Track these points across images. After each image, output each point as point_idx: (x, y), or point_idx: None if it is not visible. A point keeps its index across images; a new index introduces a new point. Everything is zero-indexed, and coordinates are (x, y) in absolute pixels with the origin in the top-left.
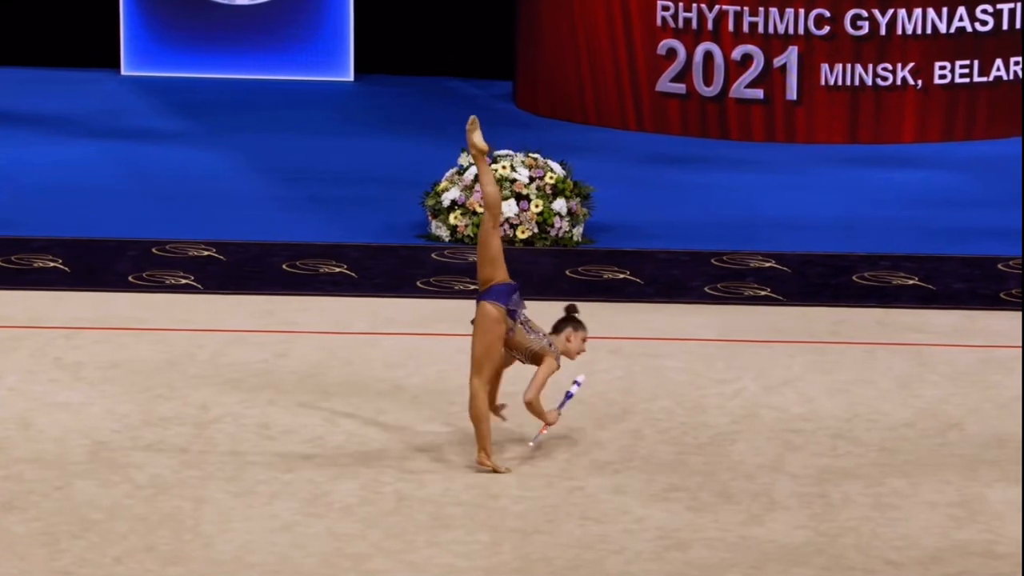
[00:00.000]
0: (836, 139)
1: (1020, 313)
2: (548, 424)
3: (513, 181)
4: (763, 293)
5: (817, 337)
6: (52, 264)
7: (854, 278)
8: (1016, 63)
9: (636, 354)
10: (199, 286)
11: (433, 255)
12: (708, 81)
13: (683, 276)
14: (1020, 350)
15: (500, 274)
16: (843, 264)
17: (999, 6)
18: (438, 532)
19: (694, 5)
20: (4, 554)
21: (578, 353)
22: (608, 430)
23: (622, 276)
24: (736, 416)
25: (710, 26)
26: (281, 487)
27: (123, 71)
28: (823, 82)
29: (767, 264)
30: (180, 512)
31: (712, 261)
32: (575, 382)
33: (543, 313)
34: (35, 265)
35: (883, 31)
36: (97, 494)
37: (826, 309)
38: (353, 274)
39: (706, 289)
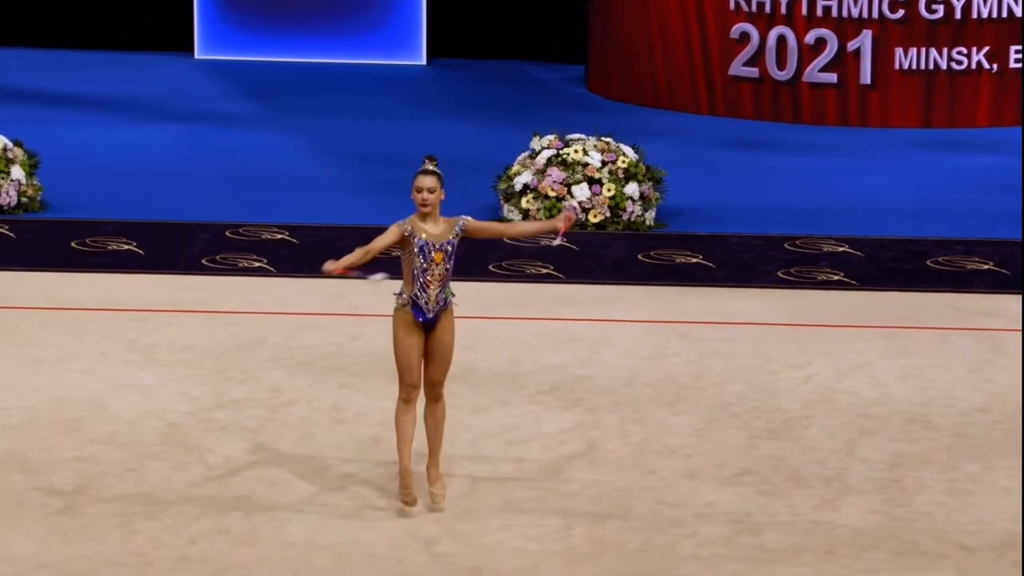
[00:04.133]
0: (910, 123)
1: None
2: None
3: (585, 165)
4: (836, 277)
5: (890, 322)
6: (126, 247)
7: (928, 263)
8: None
9: (708, 338)
10: (272, 269)
11: (505, 239)
12: (781, 65)
13: (755, 260)
14: None
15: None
16: (917, 249)
17: None
18: (509, 515)
19: None
20: (79, 536)
21: (420, 203)
22: (680, 415)
23: (694, 260)
24: (808, 401)
25: (783, 10)
26: (353, 469)
27: (196, 55)
28: (897, 66)
29: (840, 249)
30: (252, 494)
31: (785, 245)
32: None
33: (615, 298)
34: (109, 248)
35: (958, 15)
36: (170, 476)
37: (899, 294)
38: None
39: (778, 273)
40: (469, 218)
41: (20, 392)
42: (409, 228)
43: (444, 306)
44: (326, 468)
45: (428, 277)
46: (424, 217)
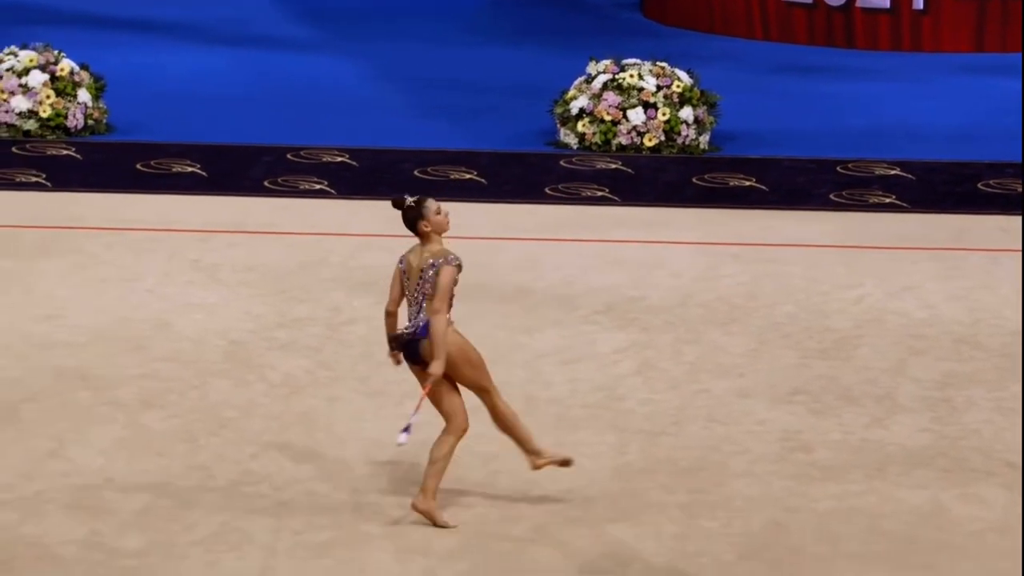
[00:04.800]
0: (962, 48)
1: None
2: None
3: (640, 90)
4: (887, 200)
5: (940, 244)
6: (189, 169)
7: (979, 186)
8: None
9: (760, 260)
10: (332, 191)
11: (561, 162)
12: None
13: (807, 183)
14: None
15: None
16: (968, 172)
17: None
18: (565, 433)
19: None
20: (145, 450)
21: (445, 221)
22: (732, 335)
23: (747, 183)
24: (859, 321)
25: None
26: (411, 387)
27: None
28: None
29: (892, 172)
30: (313, 411)
31: (837, 169)
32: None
33: (668, 220)
34: (173, 170)
35: None
36: (233, 393)
37: (950, 216)
38: (483, 180)
39: (830, 196)
40: (444, 268)
41: (87, 311)
42: (430, 261)
43: (424, 327)
44: (385, 386)
45: (415, 296)
46: (429, 245)
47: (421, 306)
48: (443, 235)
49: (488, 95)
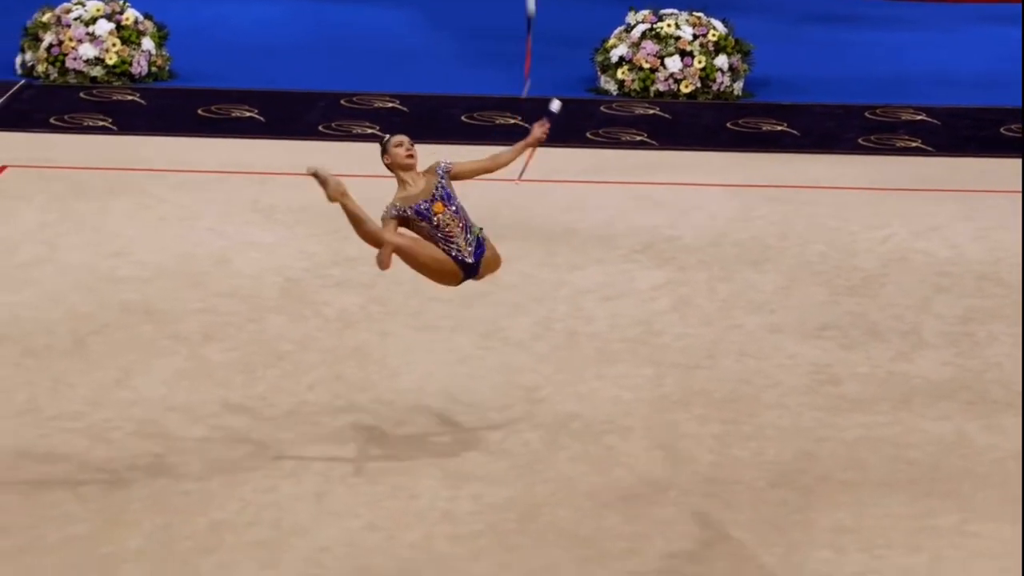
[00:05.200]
0: None
1: None
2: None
3: (677, 38)
4: (913, 144)
5: (964, 186)
6: (248, 114)
7: (1001, 130)
8: None
9: (792, 201)
10: (383, 135)
11: (602, 108)
12: None
13: (837, 128)
14: None
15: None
16: (990, 117)
17: None
18: (605, 366)
19: None
20: (205, 381)
21: (406, 158)
22: (764, 273)
23: (779, 128)
24: (886, 260)
25: None
26: (459, 322)
27: None
28: None
29: (918, 117)
30: (366, 345)
31: (865, 114)
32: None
33: (704, 164)
34: (232, 115)
35: None
36: (289, 327)
37: (973, 160)
38: (527, 125)
39: (859, 140)
40: (450, 161)
41: (150, 248)
42: (398, 206)
43: (480, 243)
44: (436, 320)
45: (446, 230)
46: (405, 184)
47: (467, 223)
48: (406, 171)
49: (533, 43)
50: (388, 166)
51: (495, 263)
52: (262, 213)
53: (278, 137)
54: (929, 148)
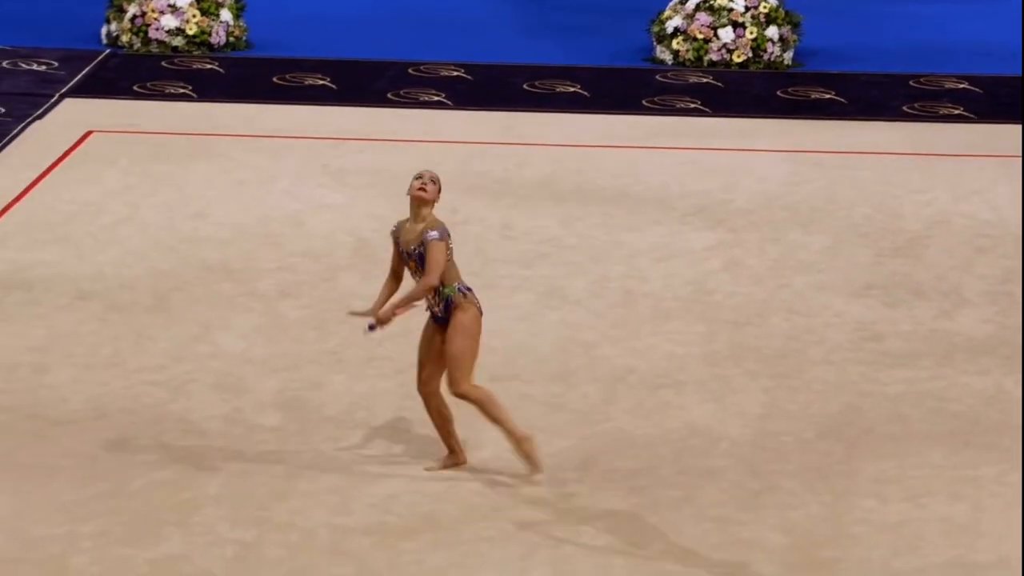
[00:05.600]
0: None
1: None
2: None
3: (730, 10)
4: (956, 112)
5: (1004, 151)
6: (320, 82)
7: None
8: None
9: (839, 166)
10: (449, 103)
11: (657, 76)
12: None
13: (882, 96)
14: None
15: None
16: None
17: None
18: (660, 323)
19: None
20: (281, 336)
21: (417, 190)
22: (812, 235)
23: (827, 96)
24: (929, 222)
25: None
26: (521, 281)
27: None
28: None
29: (960, 86)
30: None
31: (910, 83)
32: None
33: (755, 130)
34: (306, 83)
35: None
36: (360, 285)
37: (1014, 127)
38: (585, 93)
39: (903, 108)
40: (430, 240)
41: (229, 210)
42: (397, 233)
43: (449, 301)
44: (497, 280)
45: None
46: (412, 217)
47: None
48: (415, 204)
49: (591, 14)
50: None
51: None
52: (334, 176)
53: (349, 104)
54: (971, 115)
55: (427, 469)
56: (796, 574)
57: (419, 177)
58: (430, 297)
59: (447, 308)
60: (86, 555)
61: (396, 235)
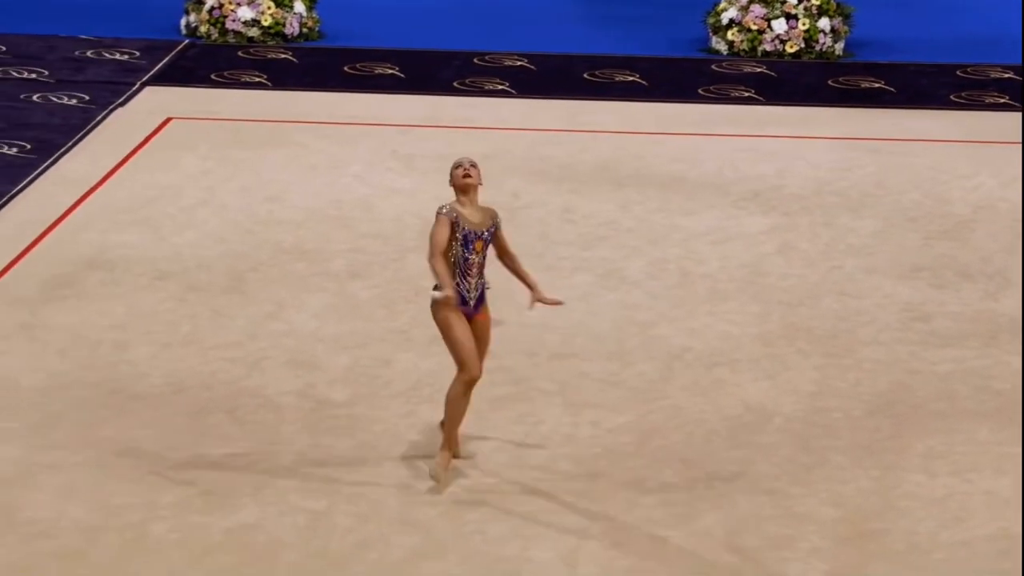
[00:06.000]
0: None
1: None
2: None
3: (783, 2)
4: (1002, 100)
5: None
6: (389, 71)
7: None
8: None
9: (889, 153)
10: (513, 91)
11: (712, 66)
12: None
13: (930, 85)
14: None
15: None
16: None
17: None
18: (715, 303)
19: None
20: (350, 315)
21: (462, 178)
22: (863, 219)
23: (877, 85)
24: (975, 207)
25: None
26: (580, 263)
27: None
28: None
29: (1006, 75)
30: (494, 282)
31: (957, 72)
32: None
33: (807, 118)
34: (375, 72)
35: None
36: (426, 266)
37: None
38: (644, 82)
39: (951, 97)
40: (499, 221)
41: (303, 194)
42: (455, 215)
43: (481, 296)
44: (557, 261)
45: (470, 266)
46: (464, 202)
47: (483, 272)
48: (463, 192)
49: (649, 6)
50: (451, 184)
51: (486, 332)
52: (402, 162)
53: (417, 92)
54: (1016, 104)
55: (435, 479)
56: (846, 546)
57: (459, 166)
58: (471, 285)
59: (482, 298)
60: (165, 523)
61: (455, 219)
